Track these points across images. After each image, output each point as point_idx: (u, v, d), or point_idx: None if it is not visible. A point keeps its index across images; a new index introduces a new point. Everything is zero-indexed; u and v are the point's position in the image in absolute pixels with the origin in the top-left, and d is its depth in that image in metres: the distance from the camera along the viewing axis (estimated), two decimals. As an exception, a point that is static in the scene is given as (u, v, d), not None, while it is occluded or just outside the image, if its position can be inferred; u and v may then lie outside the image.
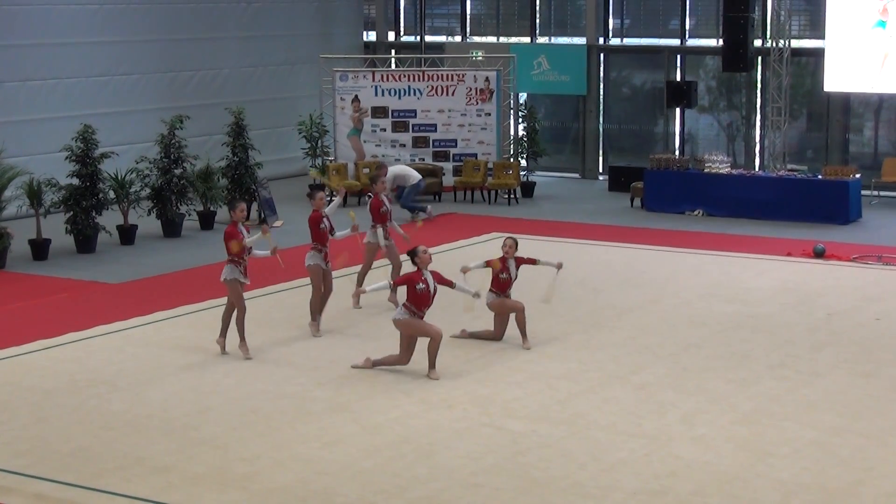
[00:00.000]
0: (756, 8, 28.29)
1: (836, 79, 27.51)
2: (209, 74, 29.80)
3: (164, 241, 23.63)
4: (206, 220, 24.77)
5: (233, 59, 30.30)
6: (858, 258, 21.59)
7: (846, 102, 29.03)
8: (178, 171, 24.12)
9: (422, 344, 15.01)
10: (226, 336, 15.96)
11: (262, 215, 25.05)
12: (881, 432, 12.93)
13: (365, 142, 28.46)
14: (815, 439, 12.76)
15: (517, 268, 16.32)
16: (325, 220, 17.05)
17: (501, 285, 16.26)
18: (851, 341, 16.47)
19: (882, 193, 27.76)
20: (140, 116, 27.50)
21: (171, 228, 24.00)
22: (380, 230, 18.18)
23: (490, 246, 22.52)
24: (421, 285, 14.82)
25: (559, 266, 16.61)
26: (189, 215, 24.46)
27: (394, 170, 25.98)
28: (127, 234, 23.29)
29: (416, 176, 25.97)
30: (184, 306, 18.33)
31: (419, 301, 14.82)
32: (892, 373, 15.03)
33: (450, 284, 15.26)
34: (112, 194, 23.27)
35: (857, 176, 25.78)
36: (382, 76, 28.74)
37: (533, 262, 16.46)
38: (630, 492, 11.43)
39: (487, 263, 16.19)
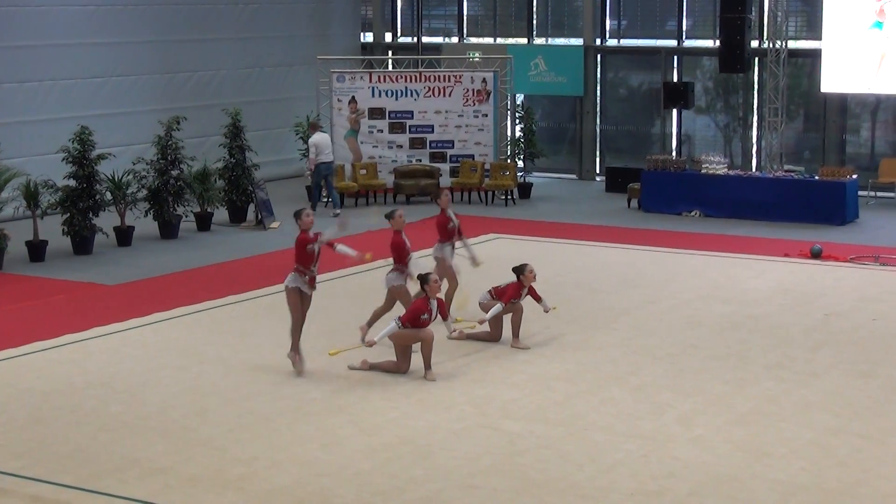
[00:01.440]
0: (753, 9, 28.32)
1: (833, 79, 27.53)
2: (206, 75, 29.80)
3: (161, 243, 23.61)
4: (203, 222, 24.75)
5: (230, 61, 30.30)
6: (855, 259, 21.60)
7: (843, 103, 29.06)
8: (174, 173, 24.07)
9: (417, 346, 15.02)
10: (299, 350, 15.21)
11: (259, 217, 25.05)
12: (879, 433, 12.93)
13: (362, 143, 28.44)
14: (813, 440, 12.76)
15: (526, 295, 16.36)
16: (406, 241, 16.36)
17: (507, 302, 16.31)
18: (849, 342, 16.48)
19: (879, 194, 27.78)
20: (137, 118, 27.51)
21: (168, 230, 23.97)
22: (447, 247, 17.61)
23: (487, 247, 22.52)
24: (425, 315, 14.93)
25: (547, 310, 16.59)
26: (186, 217, 24.44)
27: (319, 138, 26.49)
28: (124, 236, 23.27)
29: (330, 155, 26.33)
30: (181, 307, 18.30)
31: (419, 327, 14.92)
32: (890, 373, 15.03)
33: (444, 317, 15.41)
34: (109, 196, 23.23)
35: (854, 177, 25.80)
36: (379, 77, 28.74)
37: (538, 299, 16.47)
38: (627, 493, 11.43)
39: (497, 294, 16.19)
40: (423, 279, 15.09)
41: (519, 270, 16.17)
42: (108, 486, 11.61)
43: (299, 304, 15.06)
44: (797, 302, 18.62)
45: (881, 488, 11.51)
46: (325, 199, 26.86)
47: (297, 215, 15.27)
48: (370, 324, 16.23)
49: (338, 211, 25.99)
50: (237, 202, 25.54)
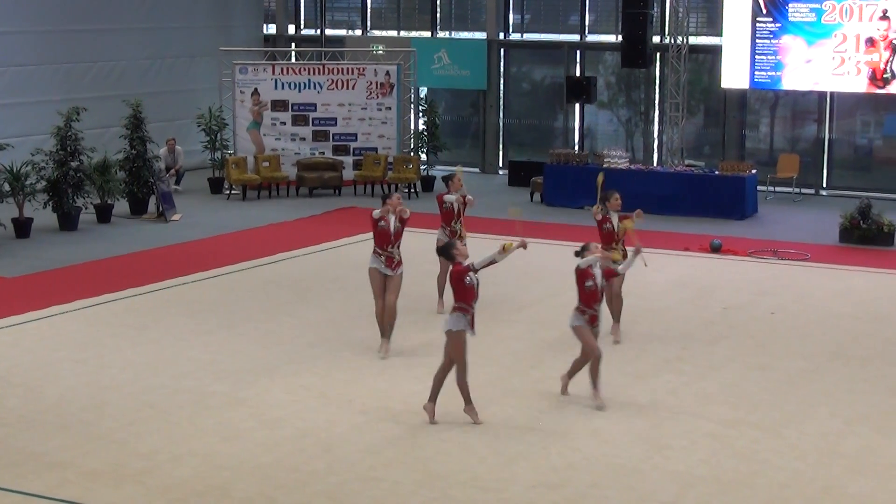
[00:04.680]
0: (655, 5, 28.55)
1: (733, 75, 27.84)
2: (107, 66, 29.45)
3: (61, 235, 23.32)
4: (104, 214, 24.49)
5: (131, 51, 29.96)
6: (754, 253, 21.87)
7: (743, 99, 29.41)
8: (74, 164, 23.78)
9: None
10: (436, 401, 13.21)
11: (161, 209, 24.84)
12: (776, 424, 13.11)
13: (265, 135, 28.31)
14: (711, 431, 12.91)
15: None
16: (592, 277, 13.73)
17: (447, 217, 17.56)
18: (747, 335, 16.69)
19: (777, 189, 28.17)
20: (36, 108, 27.10)
21: (68, 222, 23.68)
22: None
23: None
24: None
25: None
26: (86, 208, 24.16)
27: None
28: (22, 228, 22.95)
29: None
30: (80, 300, 18.10)
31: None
32: (787, 366, 15.24)
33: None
34: (7, 187, 22.92)
35: (753, 172, 26.13)
36: (282, 69, 28.61)
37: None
38: (528, 485, 11.48)
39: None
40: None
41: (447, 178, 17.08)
42: (5, 480, 11.45)
43: (466, 348, 13.01)
44: (696, 295, 18.81)
45: (777, 478, 11.68)
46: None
47: (450, 248, 13.23)
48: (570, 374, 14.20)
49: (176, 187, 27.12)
50: (138, 194, 25.31)
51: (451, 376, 13.05)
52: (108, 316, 17.34)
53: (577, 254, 13.75)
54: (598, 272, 13.60)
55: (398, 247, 15.66)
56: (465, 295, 12.87)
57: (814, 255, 21.84)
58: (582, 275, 13.62)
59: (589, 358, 13.55)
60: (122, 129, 25.61)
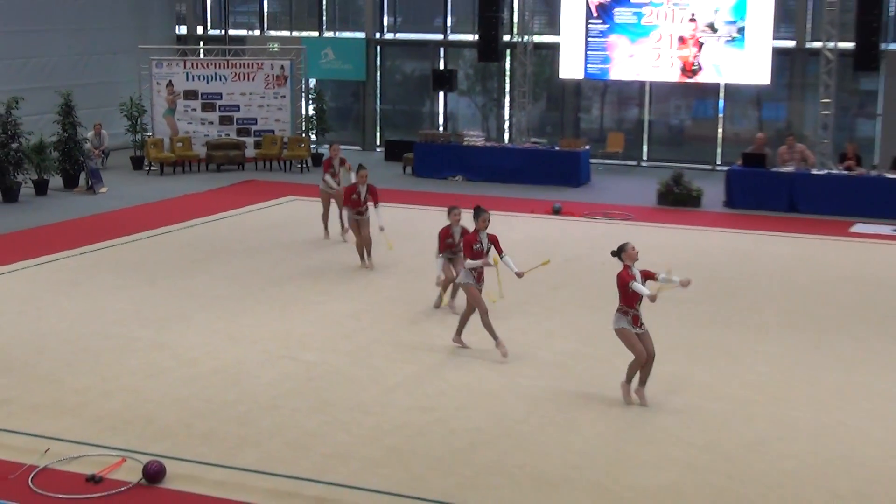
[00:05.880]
0: (505, 8, 28.66)
1: (570, 68, 28.04)
2: (41, 61, 28.81)
3: (3, 206, 22.78)
4: (41, 188, 24.02)
5: (62, 48, 29.35)
6: (588, 214, 22.13)
7: (578, 87, 29.65)
8: (14, 146, 23.31)
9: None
10: (461, 334, 13.68)
11: (90, 183, 24.43)
12: (607, 355, 13.28)
13: (178, 120, 27.94)
14: (554, 361, 13.09)
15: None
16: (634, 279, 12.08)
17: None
18: (583, 282, 16.90)
19: (607, 161, 28.49)
20: (-21, 98, 26.46)
21: (10, 195, 23.17)
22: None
23: (286, 208, 22.39)
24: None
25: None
26: (25, 183, 23.68)
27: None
28: (-31, 201, 22.44)
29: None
30: (21, 262, 17.74)
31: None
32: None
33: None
34: (-45, 166, 22.38)
35: (587, 147, 26.40)
36: (193, 64, 28.22)
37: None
38: (405, 408, 11.55)
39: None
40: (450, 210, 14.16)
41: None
42: (-41, 415, 11.25)
43: (479, 294, 13.25)
44: (541, 250, 18.96)
45: (608, 397, 11.88)
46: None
47: (479, 212, 13.50)
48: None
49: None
50: (70, 171, 24.87)
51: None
52: (45, 275, 17.03)
53: (614, 254, 12.08)
54: (636, 273, 11.96)
55: (366, 205, 17.63)
56: (475, 257, 13.31)
57: (636, 216, 22.16)
58: (623, 278, 11.87)
59: (641, 361, 11.83)
60: (56, 116, 25.11)
